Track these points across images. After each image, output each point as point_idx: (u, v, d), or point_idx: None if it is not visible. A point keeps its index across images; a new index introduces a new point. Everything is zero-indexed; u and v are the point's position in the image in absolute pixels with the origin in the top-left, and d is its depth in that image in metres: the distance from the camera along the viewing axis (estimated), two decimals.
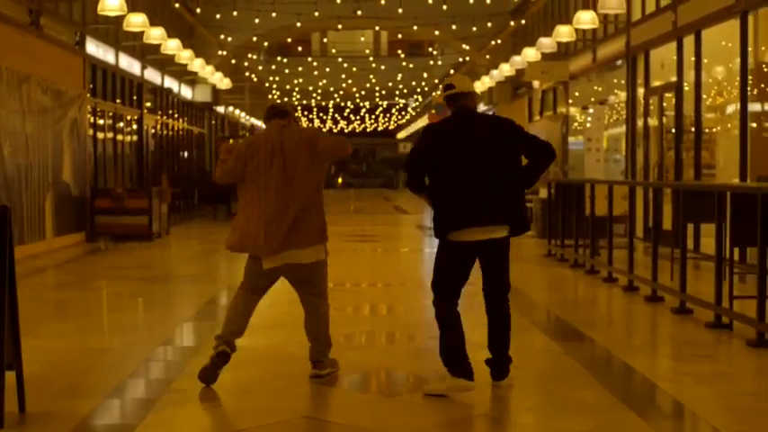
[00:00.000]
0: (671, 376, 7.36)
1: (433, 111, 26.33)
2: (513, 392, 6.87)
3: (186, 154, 32.80)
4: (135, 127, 25.04)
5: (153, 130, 27.17)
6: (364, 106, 65.19)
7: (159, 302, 11.81)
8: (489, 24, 28.04)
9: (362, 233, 22.74)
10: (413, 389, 7.06)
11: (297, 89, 52.20)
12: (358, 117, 70.67)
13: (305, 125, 75.20)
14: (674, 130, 17.90)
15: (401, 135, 73.57)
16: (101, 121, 21.77)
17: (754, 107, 14.68)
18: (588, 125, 23.70)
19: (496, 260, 6.67)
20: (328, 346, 7.16)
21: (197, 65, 25.16)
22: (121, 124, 23.64)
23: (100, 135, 21.72)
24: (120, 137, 23.49)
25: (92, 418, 6.12)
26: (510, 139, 6.62)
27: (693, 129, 16.89)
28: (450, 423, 6.04)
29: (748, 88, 14.58)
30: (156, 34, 19.78)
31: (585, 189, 14.39)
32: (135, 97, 24.83)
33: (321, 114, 70.60)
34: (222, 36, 29.88)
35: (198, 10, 27.00)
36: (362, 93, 55.70)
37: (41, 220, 17.24)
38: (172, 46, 21.64)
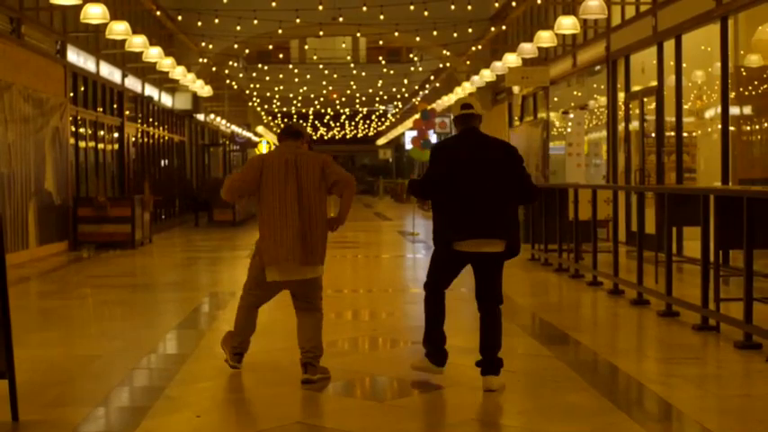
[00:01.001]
0: (661, 379, 7.40)
1: (418, 116, 26.32)
2: (504, 396, 6.89)
3: (167, 162, 32.73)
4: (116, 135, 24.97)
5: (134, 138, 27.10)
6: (344, 113, 65.20)
7: (145, 310, 11.78)
8: (470, 30, 28.12)
9: (343, 240, 22.73)
10: (400, 394, 7.07)
11: (277, 96, 52.15)
12: (338, 124, 70.67)
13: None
14: (653, 135, 18.00)
15: (381, 141, 73.58)
16: (82, 130, 21.71)
17: (734, 111, 14.78)
18: (569, 130, 23.80)
19: (489, 273, 7.05)
20: (320, 353, 7.33)
21: (178, 72, 25.07)
22: (103, 132, 23.57)
23: (81, 143, 21.65)
24: (101, 145, 23.42)
25: (85, 425, 6.11)
26: (511, 165, 7.03)
27: (674, 133, 16.98)
28: (441, 427, 6.06)
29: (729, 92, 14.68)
30: (138, 42, 19.73)
31: (569, 194, 14.45)
32: (116, 105, 24.77)
33: (301, 121, 70.53)
34: (203, 44, 29.83)
35: (179, 17, 26.93)
36: (343, 99, 55.68)
37: (24, 229, 17.18)
38: (153, 54, 21.58)
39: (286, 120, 68.03)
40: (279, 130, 7.82)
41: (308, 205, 7.23)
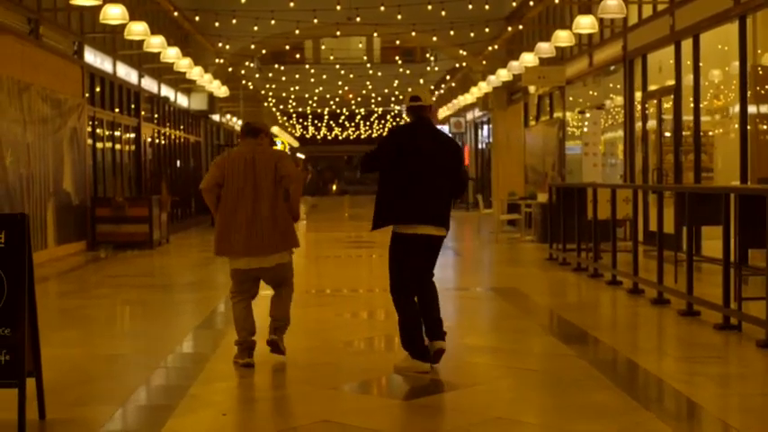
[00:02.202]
0: (684, 377, 7.37)
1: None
2: (529, 395, 6.90)
3: (183, 162, 32.80)
4: (133, 135, 25.03)
5: (150, 139, 27.17)
6: (359, 113, 65.17)
7: (164, 310, 11.80)
8: (487, 30, 28.08)
9: (358, 239, 22.77)
10: (421, 393, 7.07)
11: (293, 96, 52.15)
12: (353, 124, 70.67)
13: (298, 133, 74.76)
14: (668, 134, 17.96)
15: None
16: (99, 130, 21.78)
17: (751, 110, 14.74)
18: (585, 130, 23.76)
19: (432, 254, 7.60)
20: (288, 322, 8.06)
21: (195, 73, 25.12)
22: (120, 133, 23.64)
23: (99, 144, 21.72)
24: (118, 146, 23.48)
25: (112, 424, 6.12)
26: (455, 158, 7.68)
27: (692, 132, 16.94)
28: (466, 425, 6.06)
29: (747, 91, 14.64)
30: (156, 42, 19.77)
31: (588, 193, 14.43)
32: (133, 106, 24.83)
33: (316, 122, 70.54)
34: (220, 44, 29.85)
35: (197, 18, 26.96)
36: (358, 99, 55.65)
37: (43, 229, 17.25)
38: (171, 54, 21.63)
39: (301, 120, 68.10)
40: (241, 128, 8.41)
41: (264, 199, 7.79)
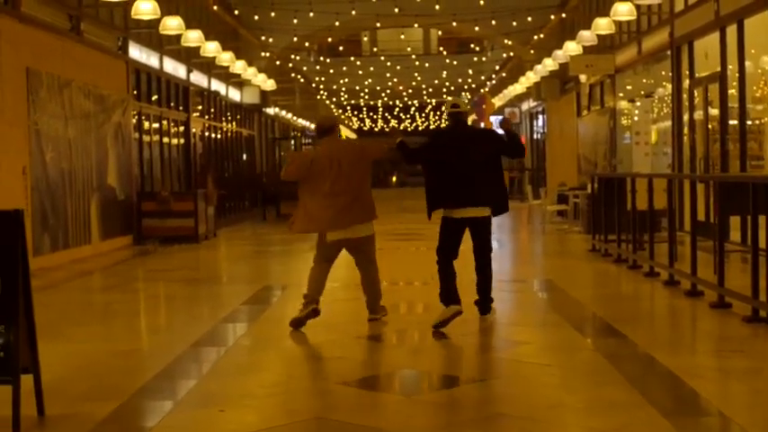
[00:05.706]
0: (699, 372, 7.16)
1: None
2: (536, 390, 6.77)
3: (236, 156, 32.92)
4: (182, 130, 25.15)
5: (200, 133, 27.29)
6: (413, 104, 64.98)
7: (197, 303, 11.82)
8: (529, 19, 27.79)
9: (407, 231, 22.64)
10: (432, 387, 6.96)
11: (344, 89, 52.13)
12: (408, 116, 70.51)
13: (356, 125, 75.01)
14: (715, 122, 17.60)
15: None
16: (147, 125, 21.91)
17: None
18: (635, 118, 23.41)
19: (481, 232, 9.17)
20: (379, 297, 9.38)
21: (239, 67, 25.13)
22: (168, 128, 23.76)
23: (146, 138, 21.86)
24: (166, 140, 23.61)
25: (110, 420, 6.10)
26: (493, 143, 9.22)
27: (738, 120, 16.59)
28: (471, 421, 5.95)
29: None
30: (193, 37, 19.80)
31: (627, 183, 14.20)
32: (181, 100, 24.95)
33: (371, 114, 70.48)
34: (263, 38, 29.86)
35: (236, 12, 26.98)
36: (409, 91, 55.45)
37: (87, 224, 17.38)
38: (211, 48, 21.66)
39: (356, 112, 68.08)
40: (317, 127, 9.75)
41: (350, 182, 9.10)
